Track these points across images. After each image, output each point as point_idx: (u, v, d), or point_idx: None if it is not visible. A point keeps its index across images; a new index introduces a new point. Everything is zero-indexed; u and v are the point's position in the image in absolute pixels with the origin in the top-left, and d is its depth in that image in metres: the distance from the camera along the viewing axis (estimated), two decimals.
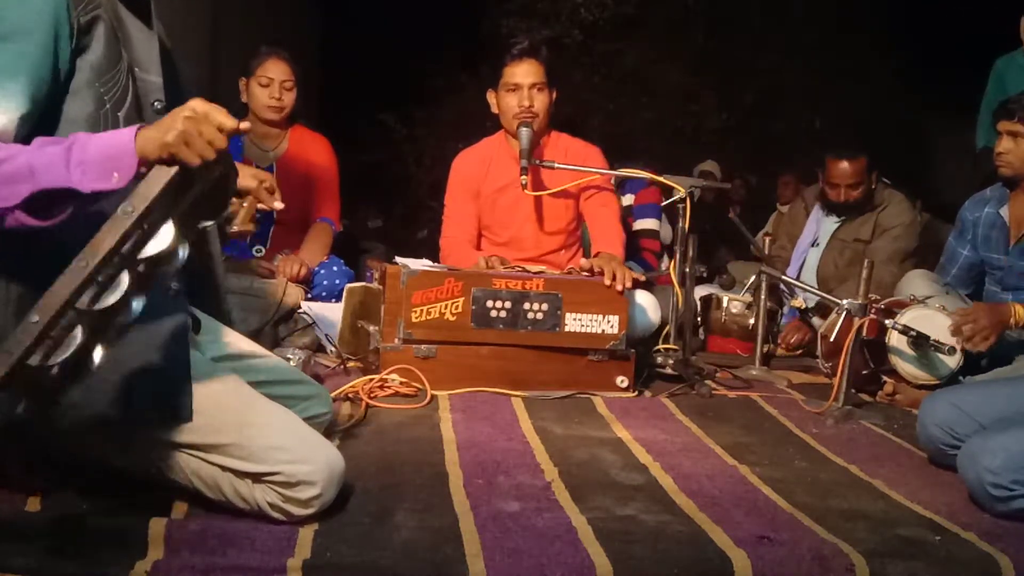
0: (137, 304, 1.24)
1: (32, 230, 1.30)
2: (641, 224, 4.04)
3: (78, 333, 1.18)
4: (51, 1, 1.36)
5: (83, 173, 1.27)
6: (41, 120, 1.38)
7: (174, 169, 1.25)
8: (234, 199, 1.67)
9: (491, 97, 3.10)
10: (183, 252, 1.29)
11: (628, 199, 4.06)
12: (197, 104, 1.29)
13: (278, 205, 1.38)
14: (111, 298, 1.20)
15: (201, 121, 1.28)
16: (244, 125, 1.32)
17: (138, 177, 1.28)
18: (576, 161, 3.05)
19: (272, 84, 3.27)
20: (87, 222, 1.25)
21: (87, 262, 1.17)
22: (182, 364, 1.48)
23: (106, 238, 1.19)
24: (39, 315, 1.14)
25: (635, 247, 3.98)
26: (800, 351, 3.64)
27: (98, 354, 1.23)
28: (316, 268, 3.26)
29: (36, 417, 1.19)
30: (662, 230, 4.21)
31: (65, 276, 1.16)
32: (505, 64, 3.00)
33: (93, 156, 1.28)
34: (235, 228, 1.70)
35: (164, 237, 1.24)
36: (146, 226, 1.23)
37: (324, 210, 3.43)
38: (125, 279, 1.22)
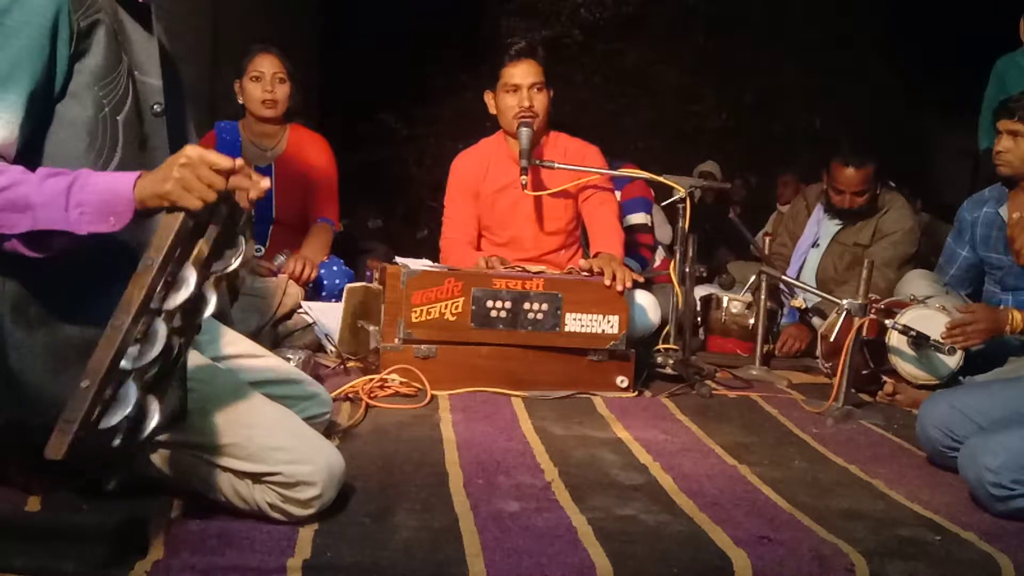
0: (183, 350, 1.30)
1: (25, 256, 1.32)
2: (631, 219, 4.02)
3: (131, 391, 1.23)
4: (50, 6, 1.36)
5: (81, 214, 1.29)
6: (41, 125, 1.38)
7: (181, 215, 1.28)
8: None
9: (488, 98, 3.10)
10: (213, 298, 1.33)
11: (616, 195, 4.04)
12: (190, 151, 1.31)
13: (264, 183, 1.38)
14: (153, 351, 1.24)
15: (196, 166, 1.29)
16: (239, 163, 1.33)
17: (136, 220, 1.31)
18: (575, 160, 3.05)
19: (263, 77, 3.26)
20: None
21: (121, 321, 1.21)
22: (177, 367, 1.48)
23: (133, 293, 1.22)
24: (88, 379, 1.17)
25: (627, 243, 3.96)
26: (795, 347, 3.64)
27: (154, 408, 1.28)
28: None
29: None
30: (661, 230, 4.20)
31: (104, 338, 1.20)
32: (504, 65, 3.01)
33: (91, 199, 1.29)
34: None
35: (188, 284, 1.28)
36: (169, 278, 1.26)
37: (323, 210, 3.43)
38: (162, 329, 1.26)
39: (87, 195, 1.29)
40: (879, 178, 3.71)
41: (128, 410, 1.22)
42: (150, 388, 1.28)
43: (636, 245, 3.95)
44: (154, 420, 1.28)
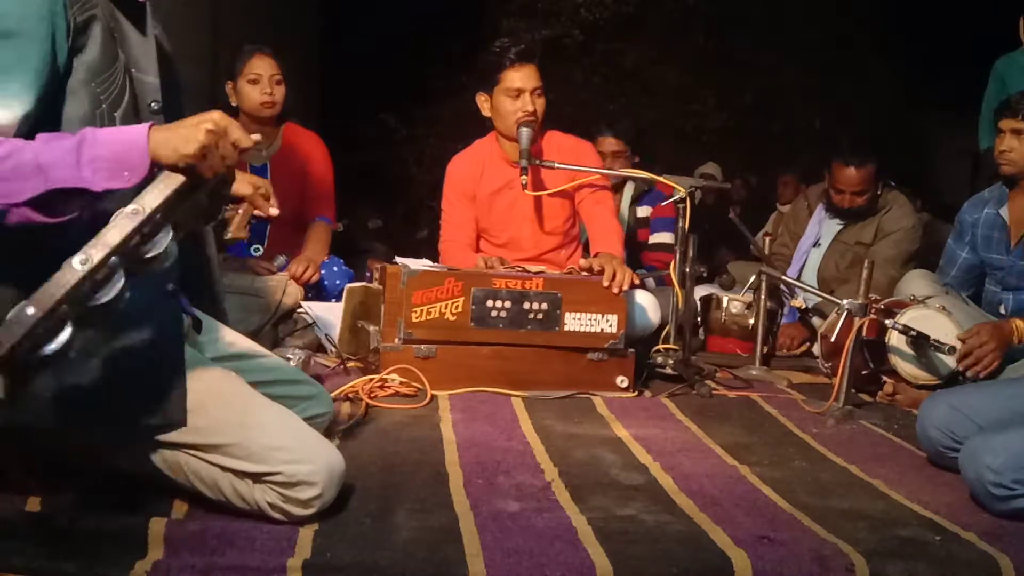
0: (125, 296, 1.24)
1: (38, 226, 1.30)
2: (657, 238, 4.05)
3: (68, 326, 1.17)
4: (49, 0, 1.36)
5: (95, 171, 1.27)
6: (41, 120, 1.38)
7: (182, 178, 1.27)
8: (230, 205, 1.68)
9: (482, 100, 3.04)
10: (174, 252, 1.31)
11: (645, 211, 4.06)
12: (218, 118, 1.31)
13: (274, 212, 1.40)
14: (107, 295, 1.20)
15: (221, 136, 1.30)
16: (256, 137, 1.36)
17: (148, 176, 1.29)
18: (571, 158, 3.05)
19: (262, 80, 3.26)
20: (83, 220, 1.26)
21: (88, 258, 1.17)
22: (176, 365, 1.48)
23: (111, 237, 1.19)
24: (35, 307, 1.13)
25: (648, 259, 3.99)
26: (803, 347, 3.63)
27: (77, 342, 1.22)
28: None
29: (9, 400, 1.17)
30: None
31: (65, 271, 1.16)
32: (504, 68, 2.96)
33: (104, 154, 1.28)
34: (229, 235, 1.71)
35: (163, 240, 1.25)
36: (147, 229, 1.24)
37: (321, 208, 3.43)
38: (122, 278, 1.22)
39: (99, 150, 1.28)
40: (880, 178, 3.71)
41: (61, 344, 1.16)
42: (81, 326, 1.21)
43: (655, 260, 3.96)
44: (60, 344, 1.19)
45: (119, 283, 1.21)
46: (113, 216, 1.21)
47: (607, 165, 3.63)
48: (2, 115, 1.32)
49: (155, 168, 1.29)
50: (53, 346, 1.16)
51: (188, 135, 1.29)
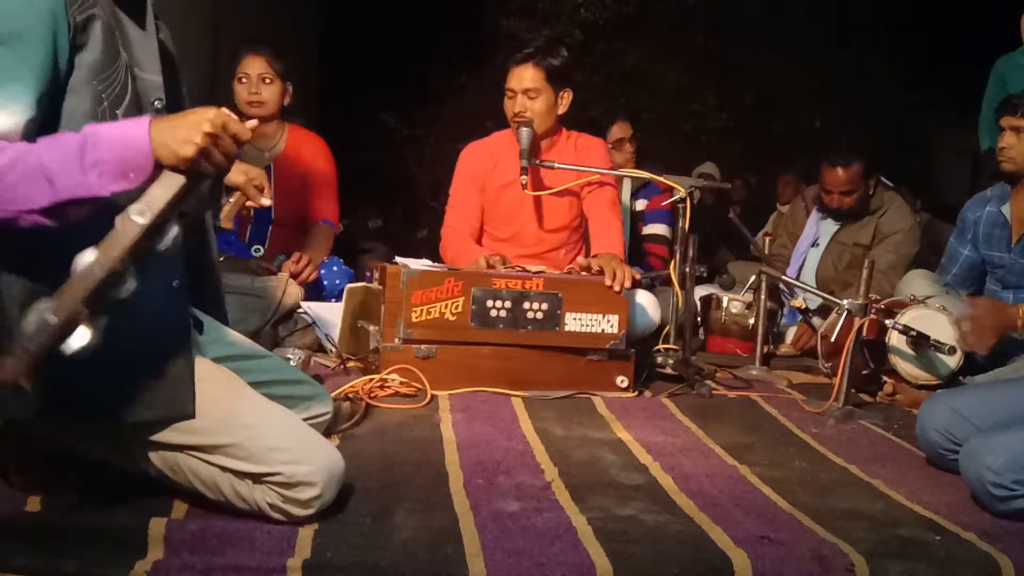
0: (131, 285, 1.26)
1: (47, 229, 1.31)
2: (651, 228, 4.06)
3: (84, 327, 1.19)
4: (49, 0, 1.36)
5: (100, 174, 1.28)
6: (43, 120, 1.38)
7: (183, 179, 1.28)
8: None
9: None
10: (179, 240, 1.32)
11: (641, 204, 4.09)
12: (213, 115, 1.31)
13: (266, 202, 1.40)
14: (120, 294, 1.22)
15: (221, 136, 1.31)
16: (251, 124, 1.37)
17: (152, 176, 1.30)
18: (582, 156, 3.05)
19: (249, 79, 3.26)
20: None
21: (101, 264, 1.19)
22: (185, 358, 1.48)
23: (120, 241, 1.21)
24: (56, 315, 1.16)
25: (641, 252, 4.00)
26: (810, 343, 3.63)
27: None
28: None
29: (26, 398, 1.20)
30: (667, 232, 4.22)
31: (79, 277, 1.18)
32: (507, 70, 3.03)
33: (108, 156, 1.28)
34: (218, 224, 1.71)
35: (169, 235, 1.27)
36: (153, 229, 1.25)
37: (323, 211, 3.43)
38: (133, 278, 1.24)
39: (102, 152, 1.28)
40: (870, 177, 3.71)
41: (85, 344, 1.19)
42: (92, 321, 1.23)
43: (647, 254, 3.97)
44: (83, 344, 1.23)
45: (130, 283, 1.23)
46: (118, 218, 1.22)
47: (624, 148, 3.68)
48: (6, 120, 1.32)
49: (158, 166, 1.30)
50: (73, 348, 1.19)
51: (186, 135, 1.29)
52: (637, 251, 3.99)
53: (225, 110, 1.34)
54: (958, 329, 2.64)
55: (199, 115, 1.31)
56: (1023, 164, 2.86)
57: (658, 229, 4.03)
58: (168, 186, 1.27)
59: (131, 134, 1.30)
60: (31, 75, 1.35)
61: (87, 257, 1.19)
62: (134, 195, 1.27)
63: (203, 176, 1.31)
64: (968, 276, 3.14)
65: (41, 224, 1.30)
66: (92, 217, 1.29)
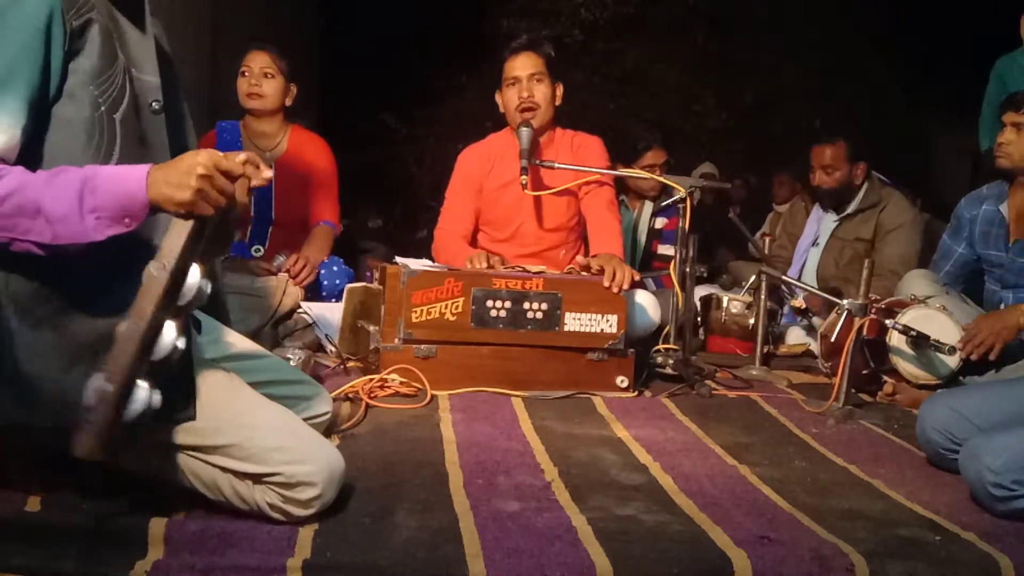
0: (180, 343, 1.33)
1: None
2: (665, 248, 4.11)
3: (143, 385, 1.29)
4: (43, 7, 1.36)
5: (97, 220, 1.31)
6: (36, 129, 1.38)
7: (192, 223, 1.32)
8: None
9: (498, 98, 3.14)
10: (207, 287, 1.37)
11: (661, 222, 4.15)
12: (204, 159, 1.33)
13: (267, 173, 1.41)
14: (163, 348, 1.30)
15: (214, 177, 1.33)
16: (267, 175, 1.40)
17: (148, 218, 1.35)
18: (580, 154, 3.06)
19: (250, 72, 3.27)
20: None
21: (137, 326, 1.25)
22: (185, 359, 1.48)
23: (150, 298, 1.26)
24: (111, 383, 1.23)
25: (651, 268, 4.03)
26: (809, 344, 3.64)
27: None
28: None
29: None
30: None
31: (121, 343, 1.24)
32: (504, 61, 3.06)
33: (106, 203, 1.31)
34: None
35: (192, 280, 1.32)
36: (176, 278, 1.30)
37: (324, 212, 3.43)
38: (172, 328, 1.30)
39: (100, 199, 1.31)
40: (856, 162, 3.73)
41: (145, 404, 1.28)
42: (151, 377, 1.31)
43: (661, 271, 3.99)
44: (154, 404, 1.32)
45: (171, 334, 1.31)
46: (144, 274, 1.27)
47: (655, 173, 3.71)
48: (2, 136, 1.34)
49: (155, 211, 1.34)
50: (135, 410, 1.28)
51: (179, 180, 1.31)
52: (647, 266, 4.06)
53: (214, 151, 1.36)
54: (965, 350, 2.65)
55: (191, 159, 1.33)
56: (1019, 161, 2.85)
57: (672, 251, 4.04)
58: (178, 234, 1.30)
59: (129, 183, 1.33)
60: (25, 85, 1.35)
61: (124, 323, 1.26)
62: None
63: (205, 218, 1.33)
64: (960, 274, 3.14)
65: (34, 252, 1.33)
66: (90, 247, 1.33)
